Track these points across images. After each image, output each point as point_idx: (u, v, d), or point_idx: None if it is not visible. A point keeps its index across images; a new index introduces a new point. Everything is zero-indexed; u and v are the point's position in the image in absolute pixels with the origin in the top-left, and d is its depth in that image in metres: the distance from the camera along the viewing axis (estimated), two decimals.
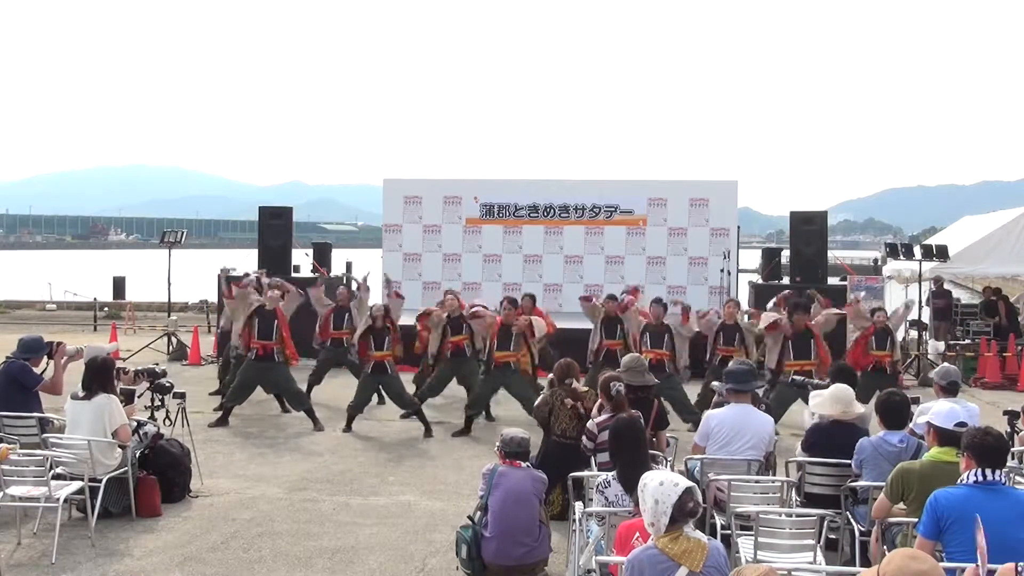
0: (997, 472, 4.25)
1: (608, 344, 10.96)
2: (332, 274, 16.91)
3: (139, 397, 7.56)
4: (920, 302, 15.43)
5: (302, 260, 16.89)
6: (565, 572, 5.91)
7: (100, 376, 6.80)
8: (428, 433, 10.05)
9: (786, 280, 15.45)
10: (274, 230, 16.26)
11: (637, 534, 3.96)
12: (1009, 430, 7.14)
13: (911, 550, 3.11)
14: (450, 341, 10.78)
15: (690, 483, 3.70)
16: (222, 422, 10.32)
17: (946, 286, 19.38)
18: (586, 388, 7.43)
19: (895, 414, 5.81)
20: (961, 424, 4.99)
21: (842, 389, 6.33)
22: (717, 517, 5.91)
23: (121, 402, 6.90)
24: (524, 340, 10.35)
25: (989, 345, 14.77)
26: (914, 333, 15.98)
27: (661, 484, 3.61)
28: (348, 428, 10.16)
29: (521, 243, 17.49)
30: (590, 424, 6.39)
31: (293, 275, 16.25)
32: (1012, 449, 6.25)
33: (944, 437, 5.06)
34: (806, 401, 9.09)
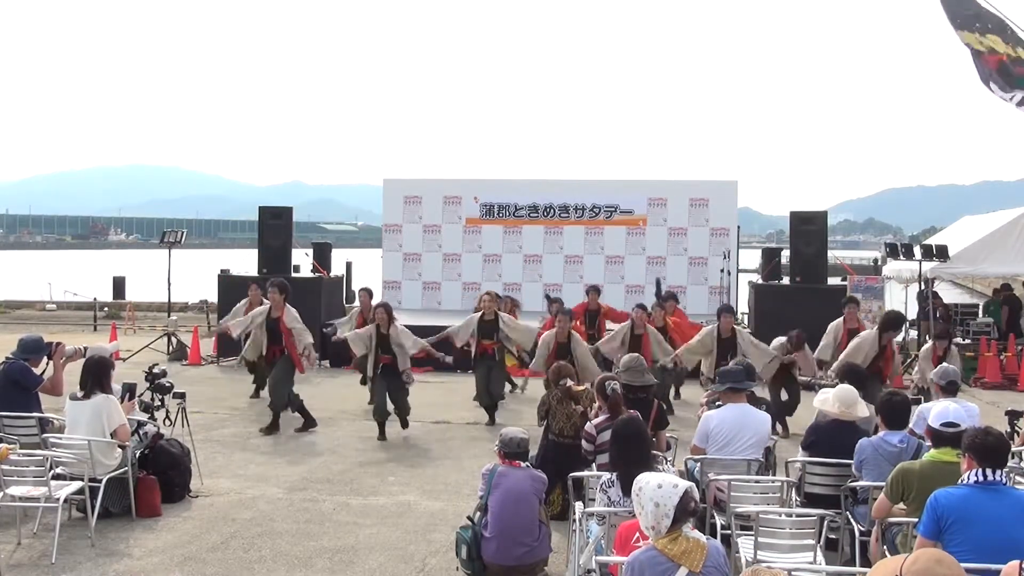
0: (998, 472, 4.24)
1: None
2: (332, 274, 16.94)
3: (140, 396, 7.56)
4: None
5: (302, 260, 16.91)
6: (565, 572, 5.91)
7: (97, 376, 6.79)
8: (381, 436, 9.85)
9: (786, 280, 15.46)
10: (274, 230, 16.27)
11: (637, 535, 3.96)
12: (1009, 430, 7.15)
13: (938, 552, 3.07)
14: (481, 343, 10.91)
15: (688, 483, 3.70)
16: (309, 424, 10.28)
17: (943, 287, 19.38)
18: (583, 387, 7.44)
19: (896, 414, 5.82)
20: (948, 424, 4.99)
21: (846, 390, 6.34)
22: (717, 517, 5.91)
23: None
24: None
25: (989, 345, 14.78)
26: (914, 334, 15.98)
27: (660, 487, 3.60)
28: (382, 435, 9.89)
29: (521, 243, 17.50)
30: (588, 426, 6.38)
31: (293, 275, 16.28)
32: (1013, 449, 6.25)
33: (934, 437, 5.07)
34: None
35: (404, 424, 10.14)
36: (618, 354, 10.44)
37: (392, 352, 9.94)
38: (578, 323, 11.32)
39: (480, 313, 11.14)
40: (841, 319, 10.85)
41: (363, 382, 11.86)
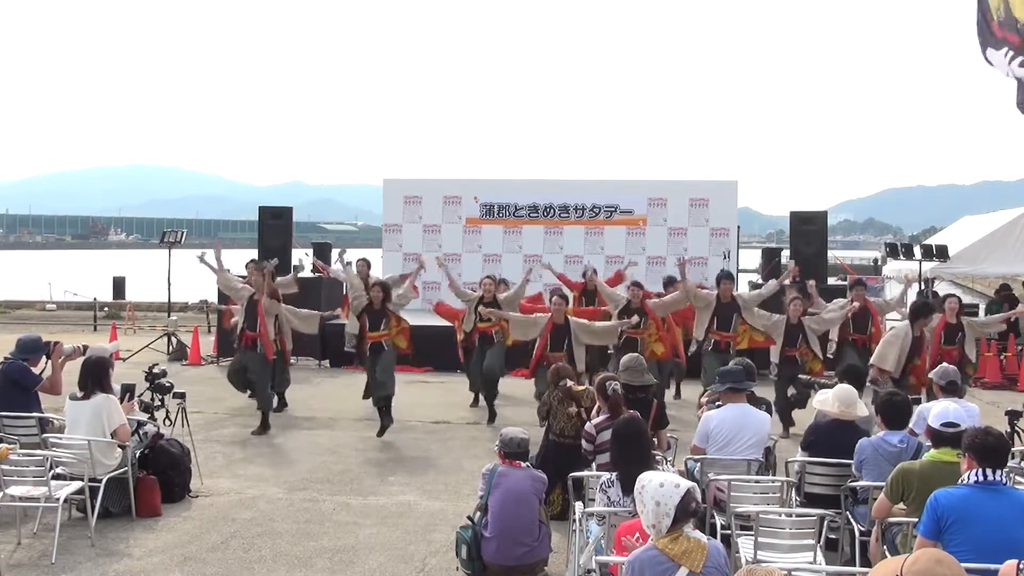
0: (998, 472, 4.24)
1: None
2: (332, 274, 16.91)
3: (140, 396, 7.56)
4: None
5: (302, 260, 16.89)
6: (565, 572, 5.91)
7: (96, 376, 6.79)
8: (381, 432, 9.80)
9: (786, 280, 15.43)
10: (274, 230, 16.26)
11: (637, 534, 3.96)
12: (1010, 430, 7.15)
13: (938, 552, 3.07)
14: (478, 327, 11.09)
15: (690, 483, 3.70)
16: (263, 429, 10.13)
17: (943, 287, 19.34)
18: (583, 386, 7.44)
19: (896, 414, 5.82)
20: (949, 424, 4.99)
21: (845, 389, 6.35)
22: (717, 517, 5.91)
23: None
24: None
25: (989, 345, 14.77)
26: None
27: (662, 486, 3.60)
28: (382, 433, 9.80)
29: (521, 243, 17.48)
30: (588, 426, 6.39)
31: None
32: (1013, 449, 6.25)
33: (934, 437, 5.07)
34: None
35: (385, 418, 9.85)
36: (612, 304, 10.84)
37: (381, 328, 10.00)
38: (575, 307, 11.50)
39: (479, 295, 11.31)
40: (848, 299, 10.89)
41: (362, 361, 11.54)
